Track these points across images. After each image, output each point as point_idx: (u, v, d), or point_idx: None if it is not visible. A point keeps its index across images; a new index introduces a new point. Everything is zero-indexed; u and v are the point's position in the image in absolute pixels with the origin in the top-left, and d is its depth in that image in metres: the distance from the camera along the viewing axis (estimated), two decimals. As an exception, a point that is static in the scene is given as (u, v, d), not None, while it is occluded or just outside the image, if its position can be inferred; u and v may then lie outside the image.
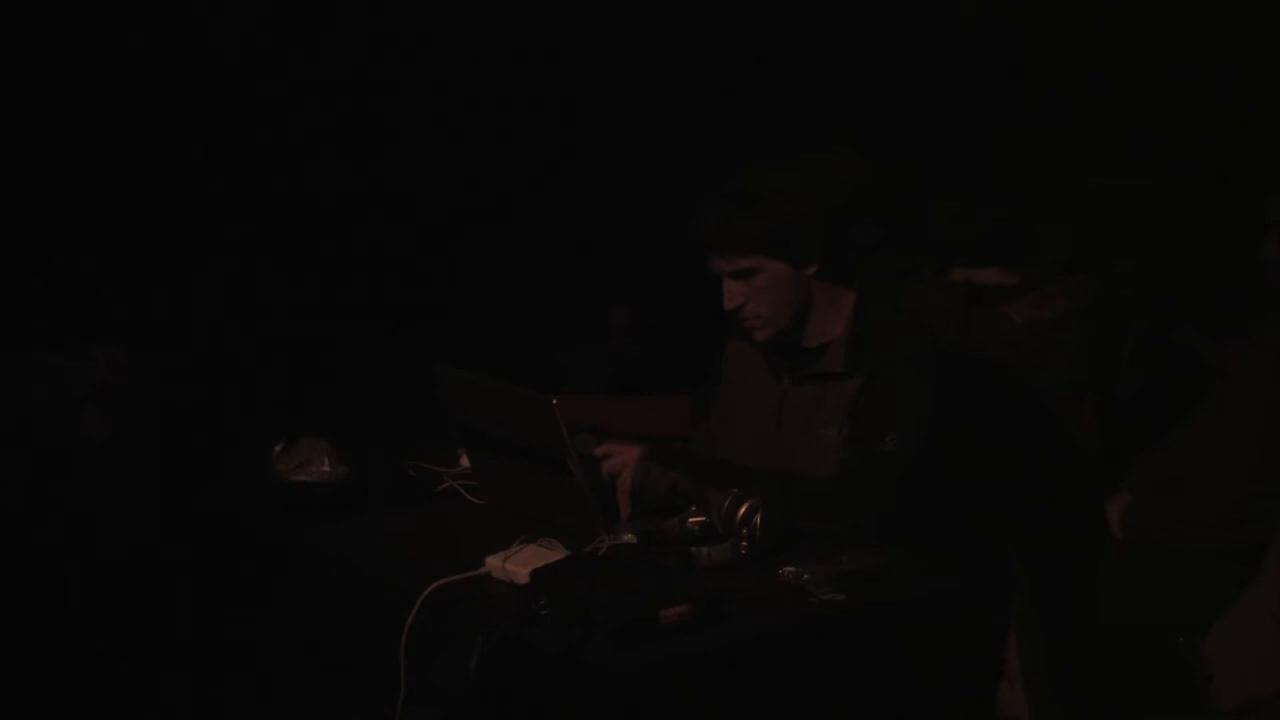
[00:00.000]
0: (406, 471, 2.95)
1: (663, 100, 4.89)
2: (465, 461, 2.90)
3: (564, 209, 4.98)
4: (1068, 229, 3.88)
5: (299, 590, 2.72)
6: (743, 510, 2.42)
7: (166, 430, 3.33)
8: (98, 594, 3.09)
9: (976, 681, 2.60)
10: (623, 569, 2.28)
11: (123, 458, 3.23)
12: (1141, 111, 4.33)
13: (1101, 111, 4.40)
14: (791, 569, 2.33)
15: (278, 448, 2.94)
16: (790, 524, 2.49)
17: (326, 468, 2.89)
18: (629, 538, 2.43)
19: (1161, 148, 4.23)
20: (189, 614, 2.95)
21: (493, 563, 2.37)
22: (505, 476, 2.71)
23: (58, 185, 4.16)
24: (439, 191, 4.85)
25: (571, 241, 4.96)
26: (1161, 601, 2.99)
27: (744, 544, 2.42)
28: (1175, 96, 4.26)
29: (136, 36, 4.28)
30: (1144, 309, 3.76)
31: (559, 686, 2.14)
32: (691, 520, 2.50)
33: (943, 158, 4.32)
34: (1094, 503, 3.26)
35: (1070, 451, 3.52)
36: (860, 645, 2.30)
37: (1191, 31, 4.24)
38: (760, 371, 2.92)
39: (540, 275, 4.94)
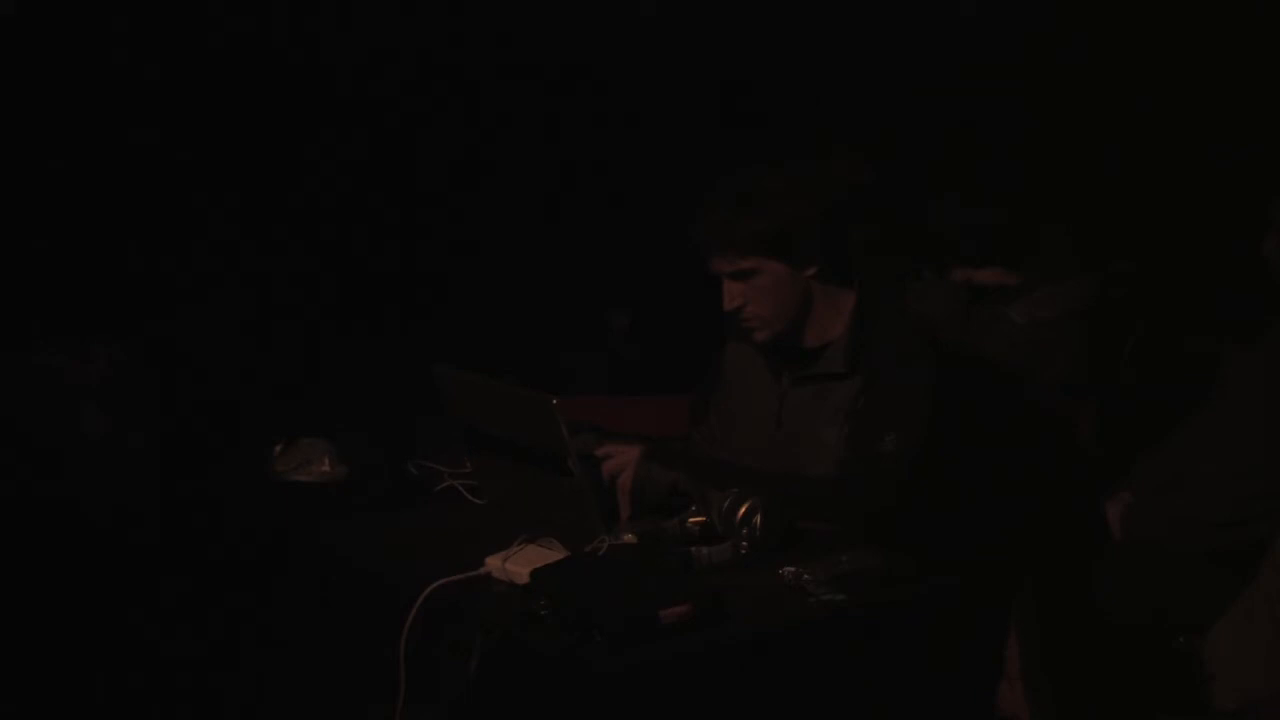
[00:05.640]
0: (406, 471, 2.95)
1: (663, 101, 4.89)
2: (465, 461, 2.90)
3: (564, 210, 4.98)
4: (1067, 229, 3.88)
5: (299, 590, 2.72)
6: (743, 510, 2.43)
7: (166, 430, 3.33)
8: (96, 593, 3.09)
9: (976, 681, 2.60)
10: (623, 569, 2.28)
11: (122, 457, 3.23)
12: (1141, 111, 4.33)
13: (1102, 111, 4.39)
14: (791, 569, 2.33)
15: (278, 448, 2.94)
16: (790, 524, 2.49)
17: (326, 468, 2.89)
18: (629, 538, 2.43)
19: (1161, 148, 4.23)
20: (188, 613, 2.95)
21: (493, 563, 2.37)
22: (505, 476, 2.71)
23: (57, 185, 4.16)
24: (440, 191, 4.85)
25: (572, 243, 4.96)
26: (1161, 601, 2.99)
27: (744, 544, 2.42)
28: (1175, 96, 4.26)
29: (133, 35, 4.28)
30: (1144, 309, 3.76)
31: (559, 686, 2.14)
32: (691, 520, 2.50)
33: (943, 158, 4.32)
34: (1094, 503, 3.26)
35: (1070, 451, 3.52)
36: (860, 645, 2.30)
37: (1192, 31, 4.24)
38: (760, 372, 2.92)
39: (541, 276, 4.94)
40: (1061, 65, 4.44)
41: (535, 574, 2.24)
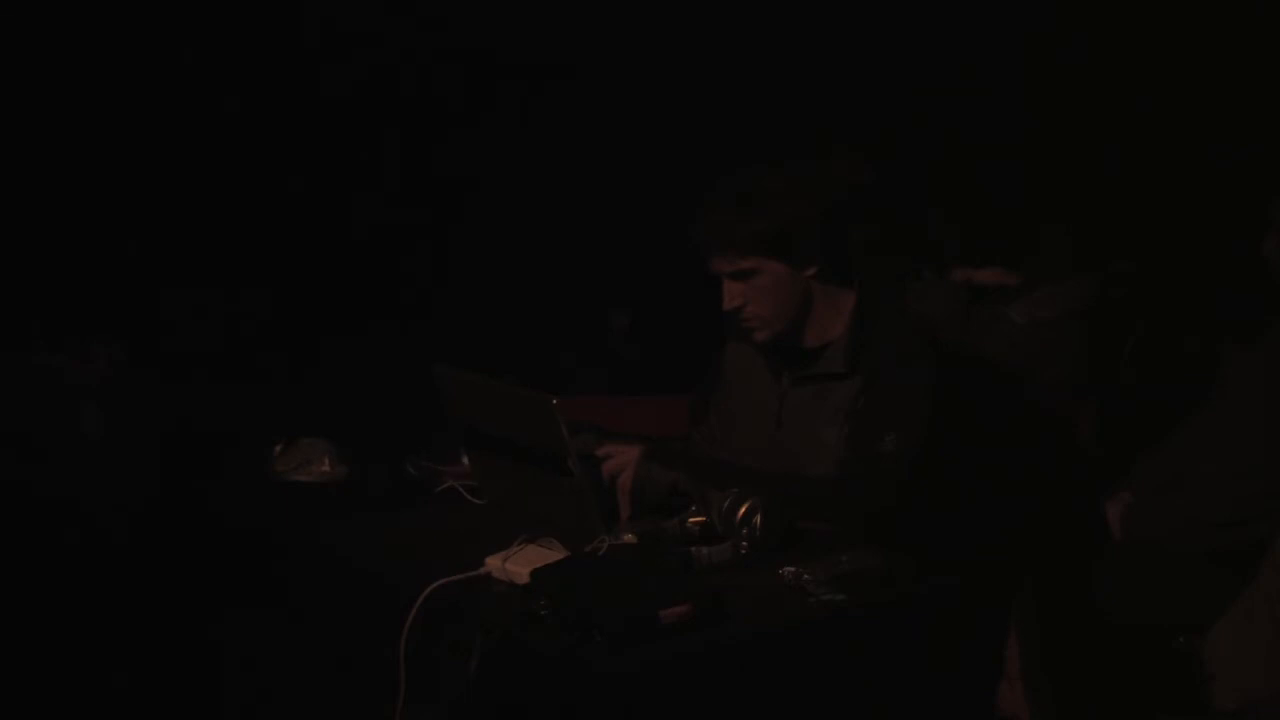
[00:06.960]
0: (406, 471, 2.95)
1: (663, 102, 4.89)
2: (465, 461, 2.90)
3: (564, 211, 4.97)
4: (1067, 229, 3.88)
5: (299, 590, 2.72)
6: (743, 510, 2.43)
7: (166, 430, 3.33)
8: (96, 593, 3.09)
9: (976, 681, 2.60)
10: (623, 569, 2.28)
11: (122, 457, 3.23)
12: (1141, 111, 4.32)
13: (1102, 111, 4.39)
14: (791, 569, 2.33)
15: (278, 448, 2.94)
16: (790, 524, 2.49)
17: (326, 468, 2.90)
18: (629, 538, 2.43)
19: (1161, 148, 4.23)
20: (189, 614, 2.95)
21: (493, 563, 2.37)
22: (505, 476, 2.71)
23: (57, 185, 4.16)
24: (440, 192, 4.85)
25: (572, 243, 4.96)
26: (1161, 601, 2.99)
27: (744, 544, 2.42)
28: (1175, 96, 4.26)
29: (133, 36, 4.28)
30: (1144, 309, 3.76)
31: (559, 686, 2.14)
32: (691, 520, 2.50)
33: (943, 158, 4.32)
34: (1094, 503, 3.26)
35: (1070, 452, 3.52)
36: (860, 645, 2.30)
37: (1192, 31, 4.23)
38: (760, 372, 2.92)
39: (541, 277, 4.94)
40: (1061, 65, 4.44)
41: (535, 574, 2.24)
